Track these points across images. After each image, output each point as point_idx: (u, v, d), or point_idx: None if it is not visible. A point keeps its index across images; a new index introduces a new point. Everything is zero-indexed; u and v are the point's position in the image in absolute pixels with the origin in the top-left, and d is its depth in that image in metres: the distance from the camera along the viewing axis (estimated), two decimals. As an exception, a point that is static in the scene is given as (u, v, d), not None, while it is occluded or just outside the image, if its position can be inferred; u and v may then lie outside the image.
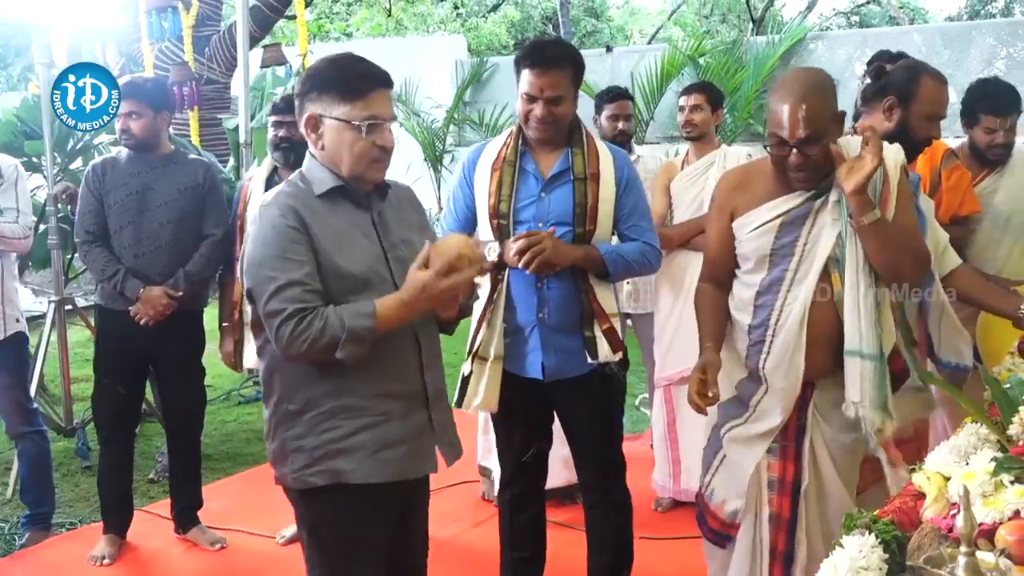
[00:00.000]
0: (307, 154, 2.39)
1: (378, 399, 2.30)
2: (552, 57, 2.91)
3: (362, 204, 2.35)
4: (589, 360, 3.00)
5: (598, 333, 3.00)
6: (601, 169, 3.00)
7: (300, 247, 2.22)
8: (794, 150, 2.46)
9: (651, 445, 4.65)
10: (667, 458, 4.46)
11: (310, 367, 2.28)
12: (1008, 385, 2.13)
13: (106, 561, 4.03)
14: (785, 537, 2.63)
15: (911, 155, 2.94)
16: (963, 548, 1.15)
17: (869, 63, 3.84)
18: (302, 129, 2.34)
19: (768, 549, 2.65)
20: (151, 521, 4.38)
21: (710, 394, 2.60)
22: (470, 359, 3.09)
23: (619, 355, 3.04)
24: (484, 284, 3.07)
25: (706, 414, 2.70)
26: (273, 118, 3.97)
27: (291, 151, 3.90)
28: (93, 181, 3.92)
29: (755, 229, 2.61)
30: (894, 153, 2.61)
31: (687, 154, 4.37)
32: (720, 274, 2.79)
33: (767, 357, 2.61)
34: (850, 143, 2.58)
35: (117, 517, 4.14)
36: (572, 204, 2.97)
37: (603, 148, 3.06)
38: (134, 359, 4.02)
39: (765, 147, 2.56)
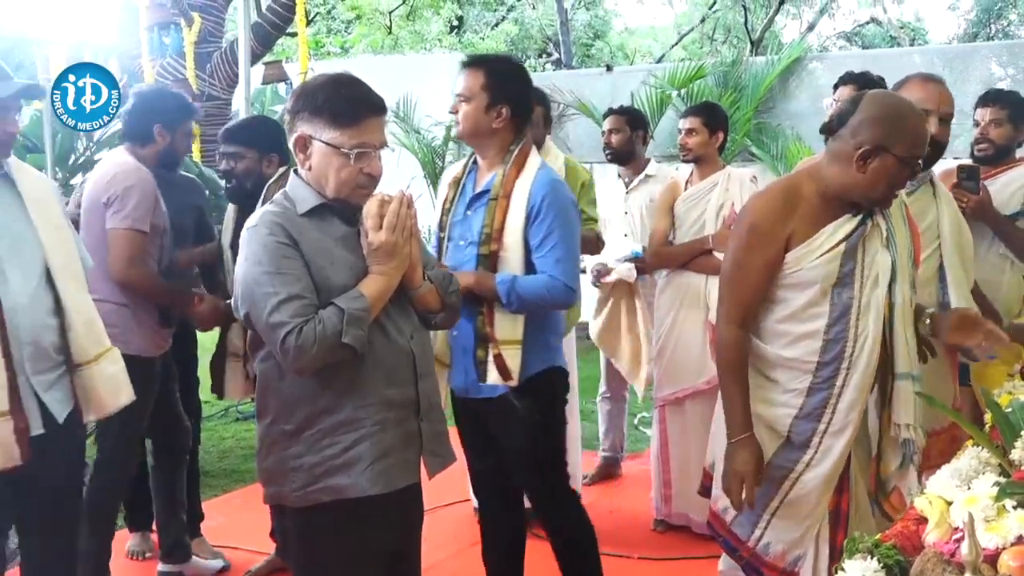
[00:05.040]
0: (291, 171, 2.39)
1: (374, 408, 2.30)
2: (470, 60, 3.01)
3: (349, 219, 2.35)
4: (479, 381, 2.95)
5: (489, 357, 2.94)
6: (514, 191, 2.95)
7: (294, 262, 2.23)
8: (918, 163, 2.50)
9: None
10: (660, 480, 4.45)
11: (307, 384, 2.28)
12: (1009, 409, 2.12)
13: (148, 555, 4.11)
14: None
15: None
16: (968, 575, 1.14)
17: (835, 87, 3.84)
18: (291, 146, 2.33)
19: None
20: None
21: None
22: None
23: (511, 383, 2.93)
24: None
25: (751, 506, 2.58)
26: (221, 147, 3.64)
27: (235, 188, 3.59)
28: None
29: (823, 255, 2.52)
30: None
31: (691, 174, 4.38)
32: (752, 315, 2.62)
33: (841, 393, 2.53)
34: None
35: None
36: (482, 224, 2.96)
37: (530, 170, 2.98)
38: None
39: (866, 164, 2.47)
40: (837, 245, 2.51)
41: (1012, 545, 1.64)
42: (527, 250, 2.94)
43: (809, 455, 2.56)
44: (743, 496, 2.53)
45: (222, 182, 3.73)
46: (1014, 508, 1.73)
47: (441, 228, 3.10)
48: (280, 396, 2.32)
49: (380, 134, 2.32)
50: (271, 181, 3.52)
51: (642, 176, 4.77)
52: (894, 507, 2.60)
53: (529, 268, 2.95)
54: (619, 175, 4.90)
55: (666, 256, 4.33)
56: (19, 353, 2.55)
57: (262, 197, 3.43)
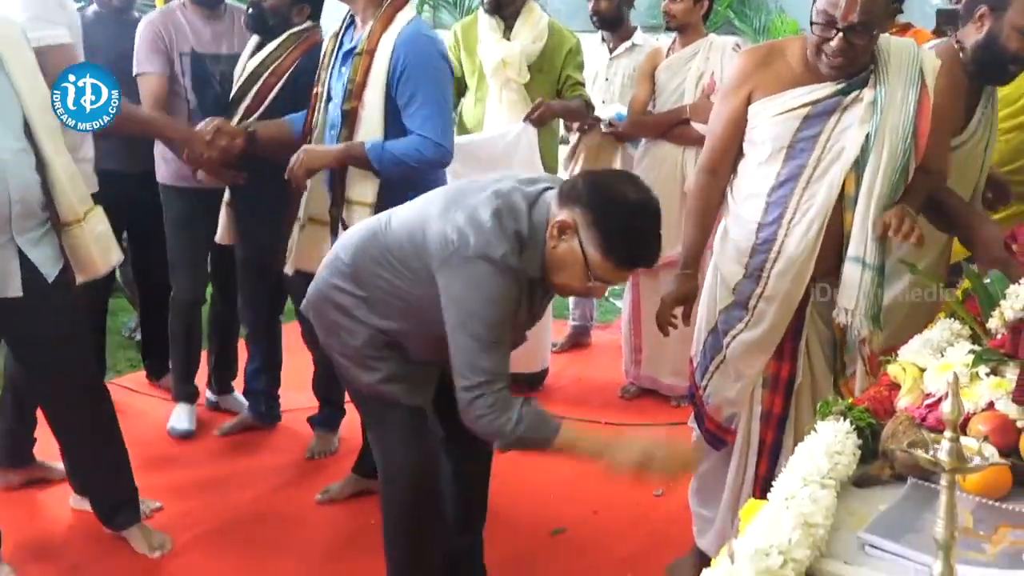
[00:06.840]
0: (537, 216, 2.19)
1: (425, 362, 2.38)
2: None
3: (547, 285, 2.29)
4: None
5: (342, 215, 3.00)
6: (380, 46, 2.88)
7: (509, 317, 2.19)
8: (840, 34, 2.33)
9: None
10: (630, 345, 4.50)
11: (409, 309, 2.30)
12: (988, 280, 2.14)
13: None
14: (774, 433, 2.64)
15: (1000, 73, 2.73)
16: (948, 433, 1.15)
17: None
18: (551, 223, 2.16)
19: (756, 443, 2.67)
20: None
21: (678, 323, 2.73)
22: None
23: None
24: None
25: (667, 335, 2.80)
26: None
27: (255, 17, 3.47)
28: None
29: (778, 115, 2.47)
30: (931, 60, 2.49)
31: (673, 42, 4.28)
32: (722, 161, 2.64)
33: (776, 258, 2.52)
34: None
35: None
36: (347, 80, 2.92)
37: (397, 25, 2.89)
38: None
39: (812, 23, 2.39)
40: (799, 108, 2.46)
41: (983, 411, 1.68)
42: (388, 109, 2.89)
43: (747, 317, 2.62)
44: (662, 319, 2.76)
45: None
46: (987, 375, 1.76)
47: (318, 83, 3.07)
48: (384, 288, 2.32)
49: (630, 276, 2.28)
50: (295, 29, 3.46)
51: (628, 44, 4.65)
52: (850, 391, 2.64)
53: (389, 127, 2.90)
54: (603, 39, 4.77)
55: (644, 125, 4.27)
56: (7, 211, 2.49)
57: (280, 41, 3.42)
